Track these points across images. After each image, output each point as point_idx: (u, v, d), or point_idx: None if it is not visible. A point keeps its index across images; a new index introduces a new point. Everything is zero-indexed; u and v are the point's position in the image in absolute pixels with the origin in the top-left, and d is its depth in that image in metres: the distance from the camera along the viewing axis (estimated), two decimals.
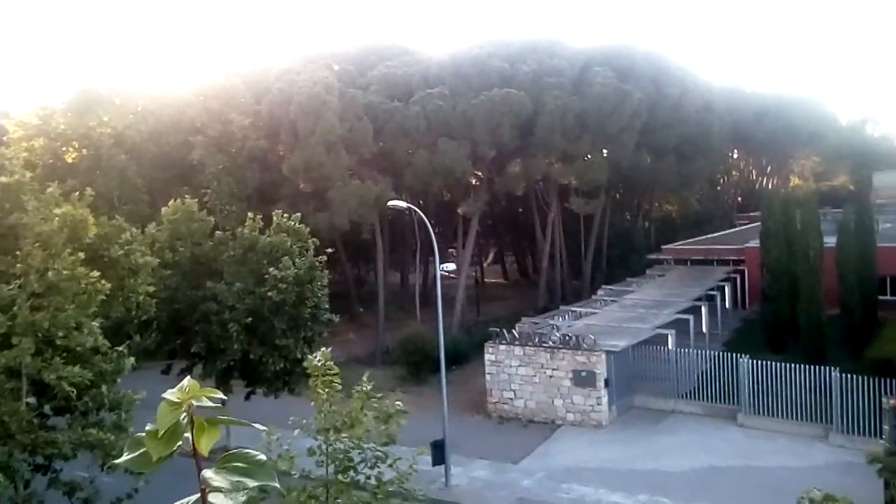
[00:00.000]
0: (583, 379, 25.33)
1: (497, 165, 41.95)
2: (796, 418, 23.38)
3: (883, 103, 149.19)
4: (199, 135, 35.18)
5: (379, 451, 9.67)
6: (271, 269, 21.61)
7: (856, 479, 16.79)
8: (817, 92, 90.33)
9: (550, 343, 26.21)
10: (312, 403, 8.91)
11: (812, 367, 23.31)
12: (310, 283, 22.40)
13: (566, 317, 31.31)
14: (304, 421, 9.02)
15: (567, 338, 26.25)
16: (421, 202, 46.22)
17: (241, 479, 1.47)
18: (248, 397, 23.71)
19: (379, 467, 9.71)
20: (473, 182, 44.69)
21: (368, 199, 35.15)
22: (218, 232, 23.73)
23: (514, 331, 27.53)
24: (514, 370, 26.66)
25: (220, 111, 35.65)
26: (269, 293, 21.43)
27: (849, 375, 21.99)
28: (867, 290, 29.78)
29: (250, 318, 21.74)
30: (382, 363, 35.61)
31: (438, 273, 26.08)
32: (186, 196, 24.73)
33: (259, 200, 34.47)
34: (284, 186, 36.29)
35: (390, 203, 27.17)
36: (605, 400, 25.17)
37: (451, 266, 53.35)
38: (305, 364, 9.10)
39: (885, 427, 17.65)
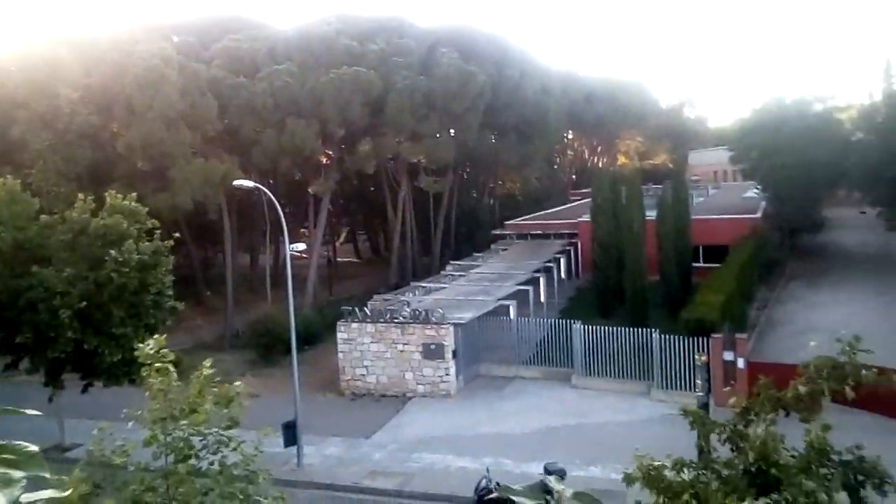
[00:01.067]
0: (432, 351, 26.33)
1: (347, 144, 41.91)
2: (622, 377, 25.67)
3: (698, 88, 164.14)
4: (21, 109, 32.35)
5: (222, 435, 9.68)
6: (111, 251, 20.50)
7: (675, 430, 18.43)
8: (641, 77, 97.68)
9: (401, 319, 26.94)
10: (146, 393, 8.84)
11: (635, 329, 25.66)
12: (154, 268, 21.51)
13: (417, 292, 32.18)
14: (139, 412, 8.92)
15: (417, 313, 27.09)
16: (270, 181, 45.32)
17: (7, 470, 1.41)
18: (85, 390, 22.58)
19: (222, 451, 9.71)
20: (324, 161, 44.39)
21: (214, 178, 34.03)
22: (44, 215, 22.16)
23: (366, 308, 27.99)
24: (366, 347, 27.18)
25: (45, 83, 32.93)
26: (112, 274, 20.34)
27: (667, 336, 24.36)
28: (683, 259, 33.10)
29: (84, 303, 20.52)
30: (232, 347, 34.94)
31: (288, 253, 25.92)
32: (8, 176, 22.85)
33: (91, 180, 32.35)
34: (120, 165, 34.28)
35: (236, 182, 26.49)
36: (452, 370, 26.34)
37: (302, 246, 52.75)
38: (137, 353, 8.97)
39: (698, 381, 19.75)
